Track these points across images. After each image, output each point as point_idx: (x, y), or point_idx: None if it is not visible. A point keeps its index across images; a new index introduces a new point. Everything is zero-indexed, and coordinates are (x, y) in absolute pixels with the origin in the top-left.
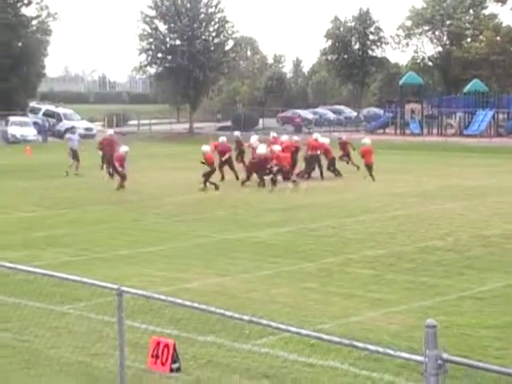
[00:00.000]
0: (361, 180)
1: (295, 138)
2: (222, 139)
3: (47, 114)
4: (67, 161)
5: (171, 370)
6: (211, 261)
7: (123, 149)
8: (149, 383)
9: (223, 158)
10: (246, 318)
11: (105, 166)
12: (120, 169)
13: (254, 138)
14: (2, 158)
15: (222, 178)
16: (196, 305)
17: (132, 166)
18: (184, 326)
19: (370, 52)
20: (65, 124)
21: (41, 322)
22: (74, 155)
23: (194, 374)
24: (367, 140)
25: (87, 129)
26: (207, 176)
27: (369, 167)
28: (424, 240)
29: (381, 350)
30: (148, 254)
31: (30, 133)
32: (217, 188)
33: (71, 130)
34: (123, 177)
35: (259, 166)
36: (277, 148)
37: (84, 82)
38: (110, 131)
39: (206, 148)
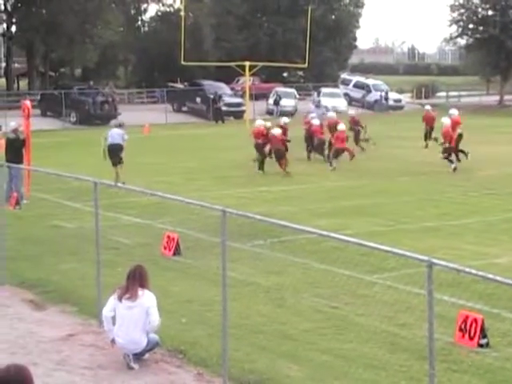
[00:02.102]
0: None
1: None
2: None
3: (357, 86)
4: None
5: (479, 346)
6: None
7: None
8: (457, 357)
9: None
10: None
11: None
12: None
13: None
14: None
15: None
16: (509, 281)
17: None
18: (494, 301)
19: None
20: (374, 95)
21: (351, 289)
22: None
23: (503, 351)
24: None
25: (396, 100)
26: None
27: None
28: None
29: None
30: (455, 226)
31: (341, 104)
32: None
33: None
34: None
35: None
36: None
37: (394, 53)
38: (285, 119)
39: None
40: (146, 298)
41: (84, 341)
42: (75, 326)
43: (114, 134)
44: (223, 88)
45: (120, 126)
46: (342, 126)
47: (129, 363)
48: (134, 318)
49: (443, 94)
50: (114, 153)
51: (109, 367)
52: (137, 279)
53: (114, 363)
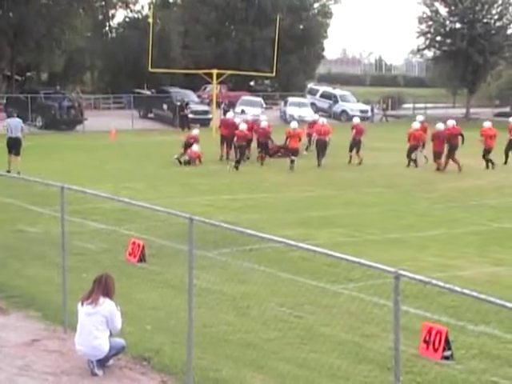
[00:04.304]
0: None
1: None
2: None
3: (324, 96)
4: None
5: (444, 358)
6: (486, 249)
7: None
8: (421, 369)
9: None
10: None
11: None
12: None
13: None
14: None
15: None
16: (474, 293)
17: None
18: (459, 314)
19: None
20: (341, 106)
21: (316, 299)
22: None
23: (467, 364)
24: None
25: (362, 111)
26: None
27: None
28: None
29: None
30: (420, 238)
31: (308, 114)
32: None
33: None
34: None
35: None
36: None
37: (361, 64)
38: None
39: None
40: (106, 307)
41: (48, 346)
42: (39, 331)
43: (16, 125)
44: (190, 95)
45: (18, 116)
46: (294, 124)
47: (93, 369)
48: (93, 325)
49: (409, 105)
50: (16, 146)
51: (72, 373)
52: (102, 286)
53: (78, 369)
